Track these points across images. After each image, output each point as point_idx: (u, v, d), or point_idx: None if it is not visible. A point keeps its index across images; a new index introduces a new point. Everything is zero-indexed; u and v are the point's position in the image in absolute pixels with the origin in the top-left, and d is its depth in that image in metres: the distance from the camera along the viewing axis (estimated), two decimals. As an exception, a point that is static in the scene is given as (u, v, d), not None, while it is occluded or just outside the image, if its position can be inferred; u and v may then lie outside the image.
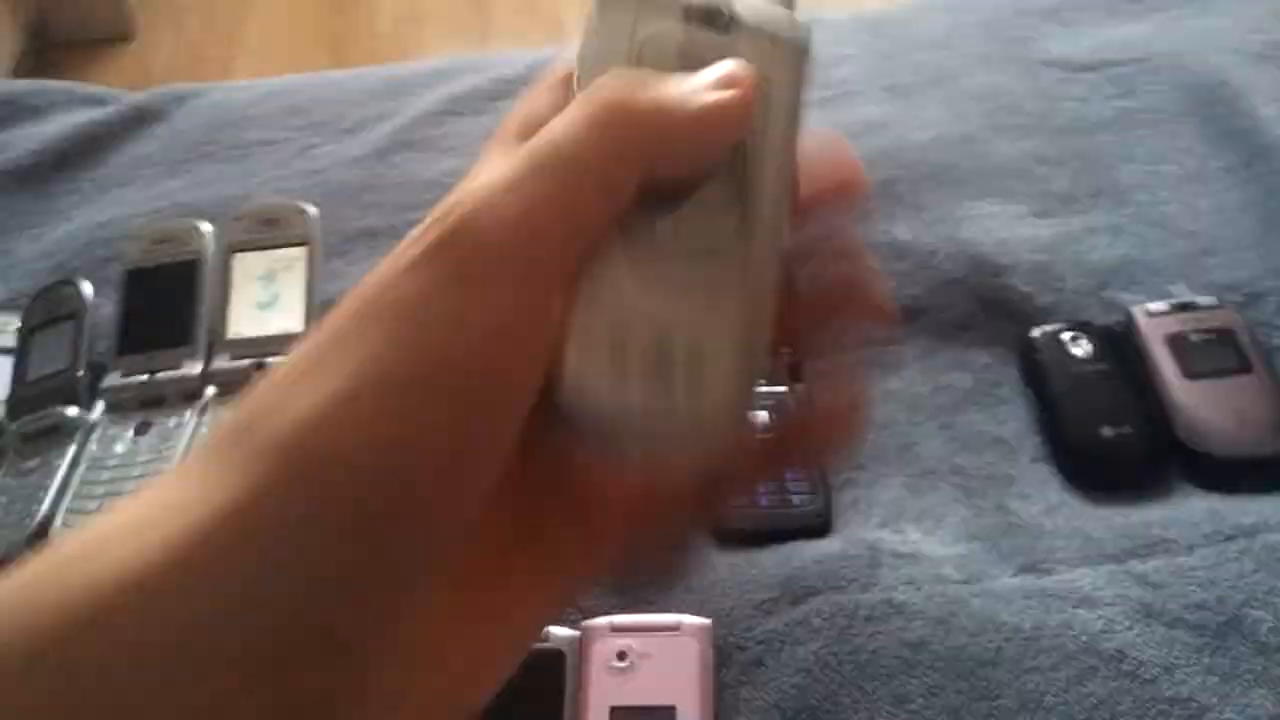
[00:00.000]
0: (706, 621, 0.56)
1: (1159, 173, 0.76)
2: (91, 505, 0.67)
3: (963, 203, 0.75)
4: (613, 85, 0.29)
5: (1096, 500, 0.61)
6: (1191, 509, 0.59)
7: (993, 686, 0.53)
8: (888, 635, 0.55)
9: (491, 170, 0.28)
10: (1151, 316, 0.65)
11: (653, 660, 0.55)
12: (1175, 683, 0.52)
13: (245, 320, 0.73)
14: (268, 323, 0.73)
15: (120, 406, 0.72)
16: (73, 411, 0.71)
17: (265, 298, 0.74)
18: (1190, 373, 0.63)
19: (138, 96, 0.98)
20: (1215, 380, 0.62)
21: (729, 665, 0.55)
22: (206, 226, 0.76)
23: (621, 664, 0.55)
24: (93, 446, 0.70)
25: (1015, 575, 0.58)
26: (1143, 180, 0.75)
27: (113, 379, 0.73)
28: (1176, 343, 0.64)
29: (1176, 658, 0.53)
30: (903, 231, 0.73)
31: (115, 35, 2.27)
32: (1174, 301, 0.66)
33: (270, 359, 0.71)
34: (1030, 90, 0.83)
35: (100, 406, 0.73)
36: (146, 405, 0.72)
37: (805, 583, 0.58)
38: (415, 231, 0.28)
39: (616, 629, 0.57)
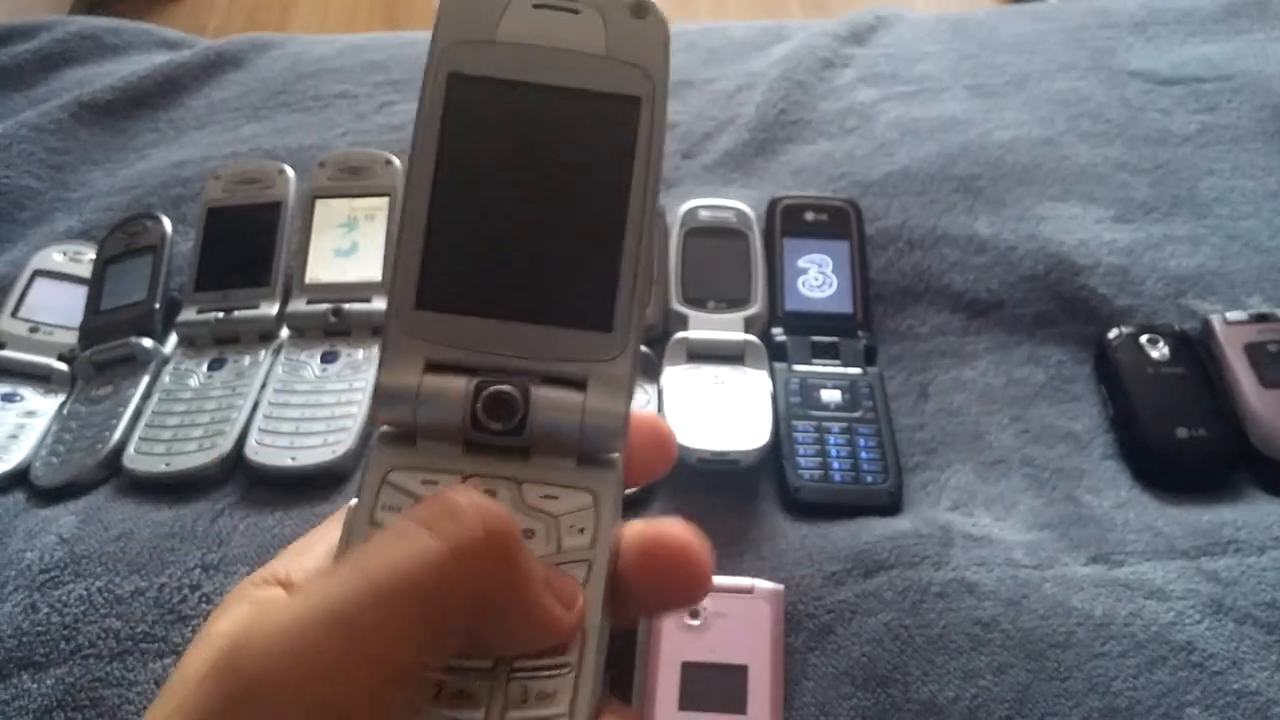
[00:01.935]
0: (779, 586, 0.57)
1: (1238, 188, 0.76)
2: (164, 435, 0.67)
3: (1043, 203, 0.75)
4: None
5: (1167, 499, 0.62)
6: (1263, 512, 0.60)
7: (1062, 668, 0.53)
8: (959, 612, 0.55)
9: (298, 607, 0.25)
10: (1230, 325, 0.66)
11: (726, 620, 0.56)
12: (1243, 676, 0.53)
13: (323, 266, 0.74)
14: (346, 270, 0.73)
15: (194, 341, 0.73)
16: (148, 343, 0.72)
17: (345, 245, 0.75)
18: (1267, 382, 0.63)
19: (215, 42, 0.99)
20: (1292, 390, 0.63)
21: (798, 632, 0.56)
22: (290, 171, 0.77)
23: (694, 621, 0.56)
24: (166, 379, 0.71)
25: (1086, 564, 0.58)
26: (1222, 194, 0.76)
27: (188, 314, 0.73)
28: (1254, 352, 0.65)
29: (1245, 652, 0.54)
30: (983, 226, 0.74)
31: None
32: (1253, 312, 0.67)
33: (346, 305, 0.71)
34: (1113, 99, 0.83)
35: (174, 340, 0.74)
36: (221, 342, 0.73)
37: (877, 557, 0.58)
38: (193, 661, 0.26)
39: (689, 589, 0.57)
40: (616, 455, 0.29)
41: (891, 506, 0.62)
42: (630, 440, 0.29)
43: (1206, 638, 0.54)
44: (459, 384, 0.28)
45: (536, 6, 0.29)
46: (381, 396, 0.29)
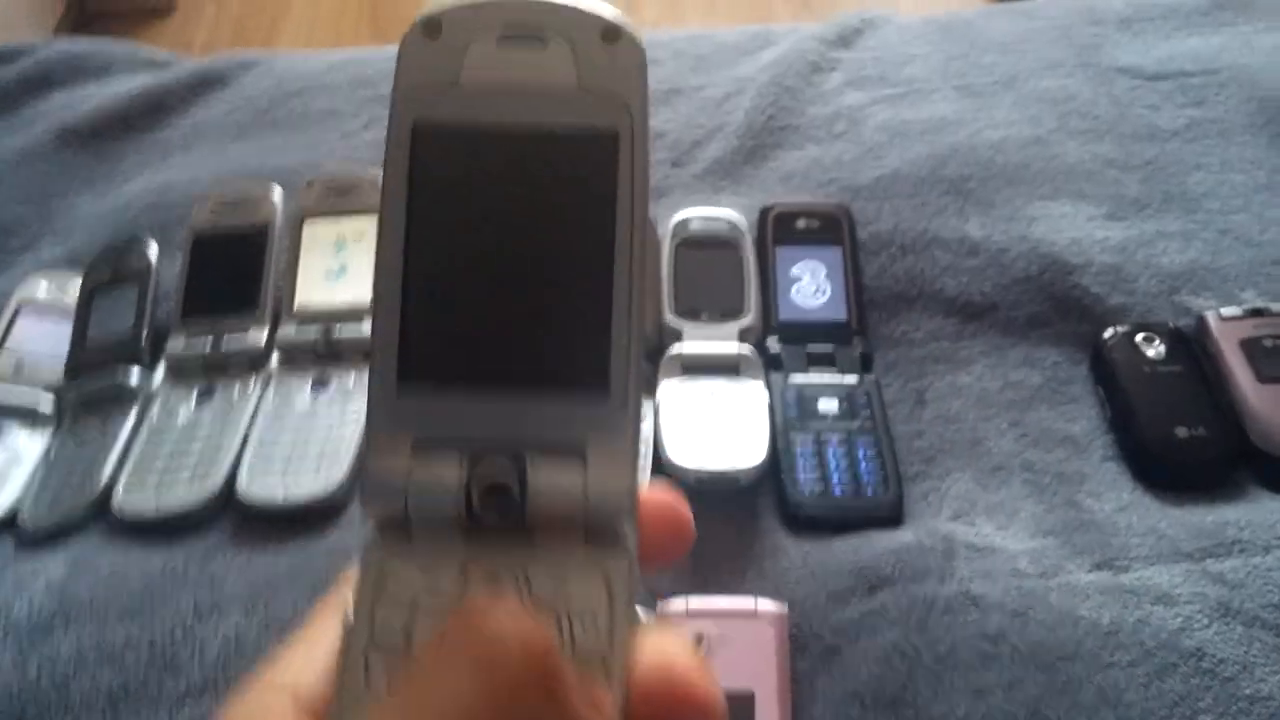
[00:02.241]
0: (783, 609, 0.56)
1: (1229, 182, 0.76)
2: (153, 473, 0.66)
3: (1034, 202, 0.75)
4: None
5: (1169, 500, 0.61)
6: (1266, 510, 0.59)
7: (1072, 681, 0.53)
8: (966, 627, 0.55)
9: None
10: (1225, 321, 0.66)
11: (730, 645, 0.55)
12: (1255, 681, 0.52)
13: (313, 288, 0.73)
14: (336, 292, 0.72)
15: (183, 372, 0.71)
16: (134, 374, 0.71)
17: (334, 266, 0.74)
18: (1264, 377, 0.63)
19: (201, 61, 0.98)
20: (1290, 386, 0.63)
21: (804, 653, 0.55)
22: (277, 192, 0.76)
23: (698, 648, 0.55)
24: (154, 413, 0.70)
25: (1091, 571, 0.58)
26: (1213, 188, 0.76)
27: (176, 343, 0.72)
28: (1250, 347, 0.64)
29: (1255, 656, 0.53)
30: (974, 228, 0.73)
31: (157, 7, 2.26)
32: (1248, 307, 0.66)
33: (337, 328, 0.70)
34: (1101, 96, 0.83)
35: (162, 371, 0.72)
36: (210, 371, 0.71)
37: (881, 572, 0.57)
38: None
39: (693, 613, 0.56)
40: (626, 531, 0.27)
41: (893, 518, 0.61)
42: (642, 520, 0.28)
43: (1216, 643, 0.54)
44: (451, 471, 0.27)
45: (502, 42, 0.28)
46: (369, 486, 0.27)
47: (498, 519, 0.27)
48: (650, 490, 0.28)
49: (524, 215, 0.28)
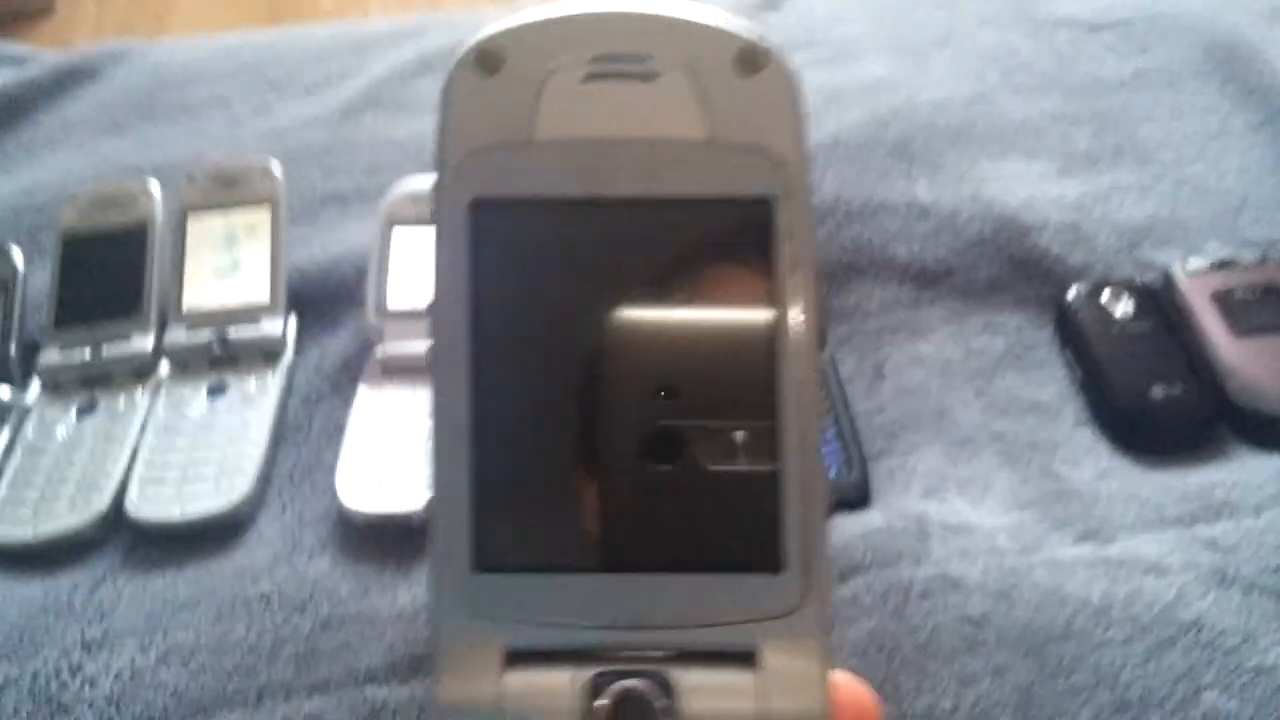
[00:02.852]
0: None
1: (1181, 131, 0.73)
2: (30, 497, 0.59)
3: (981, 162, 0.71)
4: None
5: (1149, 464, 0.57)
6: (1251, 469, 0.56)
7: (1065, 663, 0.49)
8: (946, 611, 0.51)
9: None
10: (1192, 275, 0.62)
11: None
12: (1259, 651, 0.49)
13: (203, 289, 0.66)
14: (229, 292, 0.66)
15: (59, 386, 0.65)
16: (5, 392, 0.64)
17: (225, 264, 0.67)
18: (1239, 330, 0.59)
19: (65, 55, 0.90)
20: (1266, 337, 0.59)
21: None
22: (155, 187, 0.69)
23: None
24: (28, 432, 0.63)
25: (1075, 544, 0.54)
26: (1164, 139, 0.73)
27: (50, 355, 0.65)
28: (1222, 300, 0.61)
29: (1257, 625, 0.49)
30: (923, 191, 0.69)
31: (34, 8, 2.13)
32: (1214, 259, 0.63)
33: (232, 330, 0.64)
34: (1041, 49, 0.80)
35: (36, 387, 0.65)
36: (90, 384, 0.65)
37: (852, 558, 0.53)
38: None
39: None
40: None
41: (859, 500, 0.57)
42: None
43: (1214, 613, 0.50)
44: (563, 683, 0.19)
45: (592, 76, 0.19)
46: (444, 717, 0.19)
47: None
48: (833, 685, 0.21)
49: (640, 326, 0.20)
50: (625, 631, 0.19)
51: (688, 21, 0.19)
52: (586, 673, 0.19)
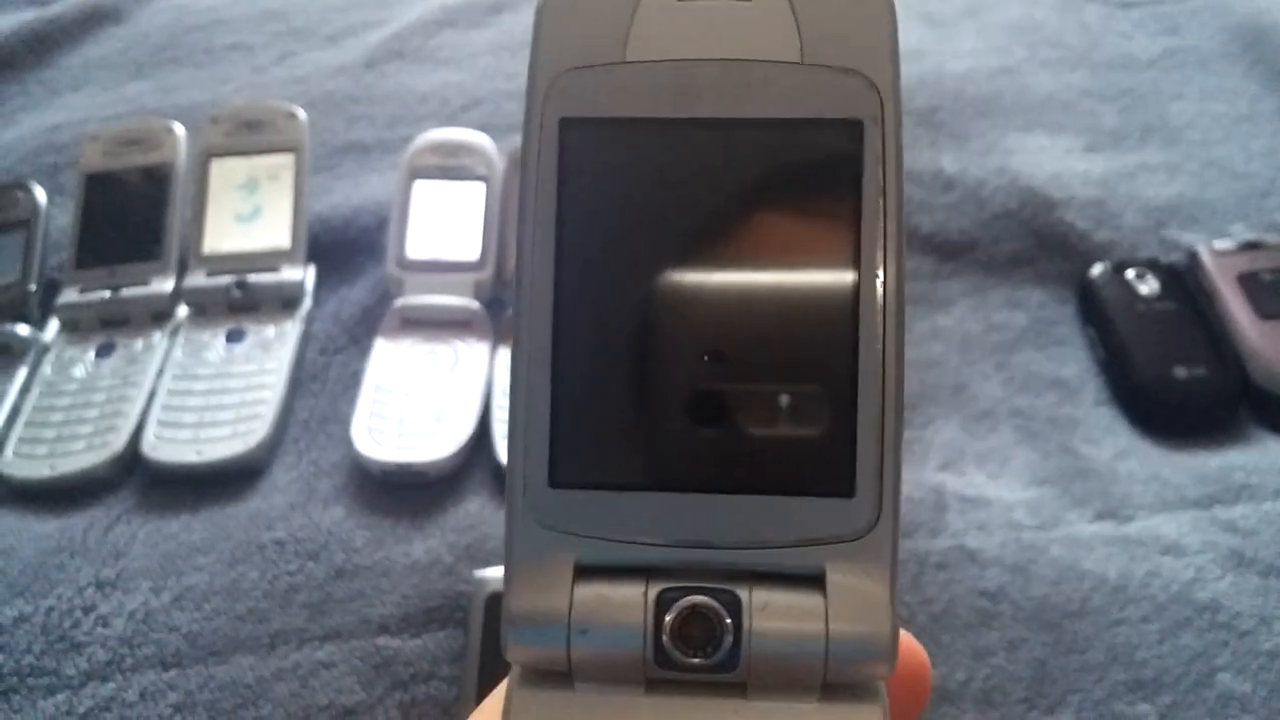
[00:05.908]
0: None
1: (1208, 112, 0.72)
2: (47, 434, 0.59)
3: (1009, 134, 0.70)
4: None
5: (1169, 444, 0.57)
6: (1273, 453, 0.56)
7: (1080, 639, 0.49)
8: (962, 584, 0.50)
9: None
10: (1219, 255, 0.62)
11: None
12: (1274, 634, 0.48)
13: (223, 234, 0.66)
14: (249, 237, 0.65)
15: (78, 326, 0.64)
16: (23, 329, 0.63)
17: (246, 209, 0.66)
18: (1264, 313, 0.59)
19: (90, -4, 0.89)
20: (1291, 321, 0.59)
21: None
22: (179, 128, 0.68)
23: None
24: (46, 370, 0.62)
25: (1093, 521, 0.53)
26: (1193, 119, 0.72)
27: (69, 295, 0.65)
28: (1248, 282, 0.60)
29: (1273, 608, 0.49)
30: (949, 162, 0.68)
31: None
32: (1241, 240, 0.62)
33: (252, 276, 0.63)
34: (1071, 24, 0.79)
35: (55, 325, 0.65)
36: (109, 325, 0.64)
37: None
38: None
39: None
40: (880, 688, 0.19)
41: (876, 470, 0.56)
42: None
43: (1231, 595, 0.50)
44: (633, 597, 0.19)
45: None
46: (515, 626, 0.19)
47: (700, 670, 0.19)
48: None
49: (728, 247, 0.19)
50: (695, 550, 0.19)
51: None
52: (656, 588, 0.19)
